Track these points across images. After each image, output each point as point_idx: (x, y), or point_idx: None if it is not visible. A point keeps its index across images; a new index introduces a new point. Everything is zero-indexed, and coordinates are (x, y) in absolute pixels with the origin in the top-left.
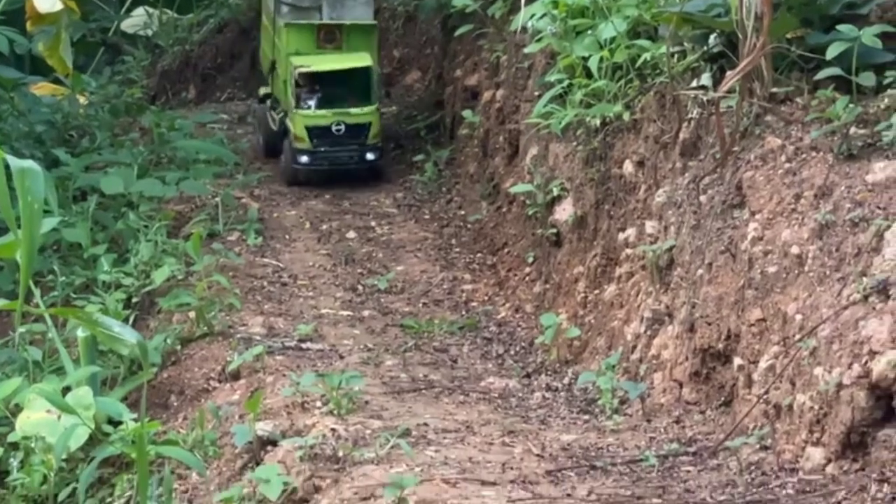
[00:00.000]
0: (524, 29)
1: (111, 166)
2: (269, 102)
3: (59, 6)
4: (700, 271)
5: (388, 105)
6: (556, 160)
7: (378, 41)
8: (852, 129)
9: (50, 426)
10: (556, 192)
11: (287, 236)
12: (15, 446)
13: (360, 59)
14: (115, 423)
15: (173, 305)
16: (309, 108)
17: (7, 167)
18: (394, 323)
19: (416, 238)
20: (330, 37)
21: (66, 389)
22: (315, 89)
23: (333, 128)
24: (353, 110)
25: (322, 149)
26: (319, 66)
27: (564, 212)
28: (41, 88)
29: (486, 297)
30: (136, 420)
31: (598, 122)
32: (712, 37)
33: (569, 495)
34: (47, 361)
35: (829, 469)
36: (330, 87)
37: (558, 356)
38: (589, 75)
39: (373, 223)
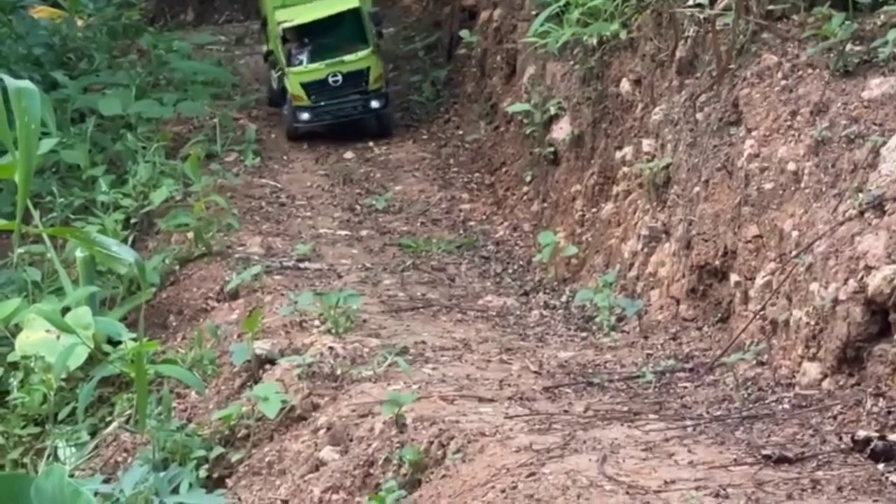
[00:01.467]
0: None
1: (109, 88)
2: (270, 60)
3: None
4: (697, 189)
5: (385, 26)
6: (554, 79)
7: None
8: (848, 46)
9: (49, 346)
10: (553, 111)
11: (285, 157)
12: (15, 366)
13: (346, 2)
14: (115, 343)
15: (172, 226)
16: (301, 63)
17: (4, 89)
18: (392, 242)
19: (414, 158)
20: None
21: (66, 310)
22: (304, 42)
23: (330, 79)
24: (348, 58)
25: (322, 103)
26: (303, 18)
27: (562, 130)
28: (39, 11)
29: (483, 217)
30: (134, 340)
31: (595, 40)
32: None
33: (566, 411)
34: (46, 282)
35: (825, 384)
36: (319, 38)
37: (556, 274)
38: None
39: (370, 143)
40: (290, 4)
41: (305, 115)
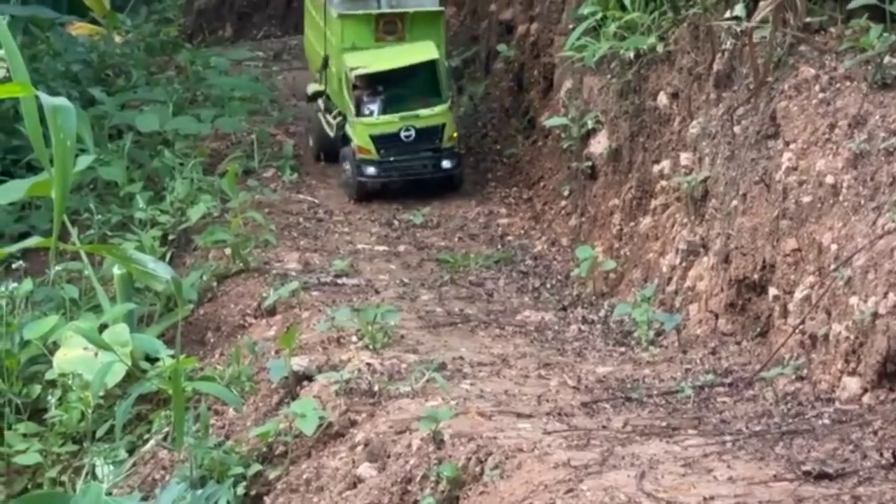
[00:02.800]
0: None
1: (147, 104)
2: (321, 103)
3: None
4: (735, 202)
5: None
6: (591, 93)
7: (445, 27)
8: (886, 58)
9: (87, 363)
10: (590, 125)
11: (322, 173)
12: (52, 384)
13: (424, 52)
14: (153, 360)
15: (209, 242)
16: (371, 113)
17: (40, 106)
18: (429, 257)
19: None
20: (391, 28)
21: (103, 327)
22: (376, 91)
23: (402, 134)
24: (423, 112)
25: (391, 158)
26: (379, 66)
27: (599, 144)
28: (78, 28)
29: (521, 231)
30: (172, 357)
31: (631, 54)
32: None
33: (604, 427)
34: (84, 299)
35: (866, 398)
36: (393, 87)
37: (594, 289)
38: (622, 7)
39: None
40: (361, 48)
41: (371, 170)
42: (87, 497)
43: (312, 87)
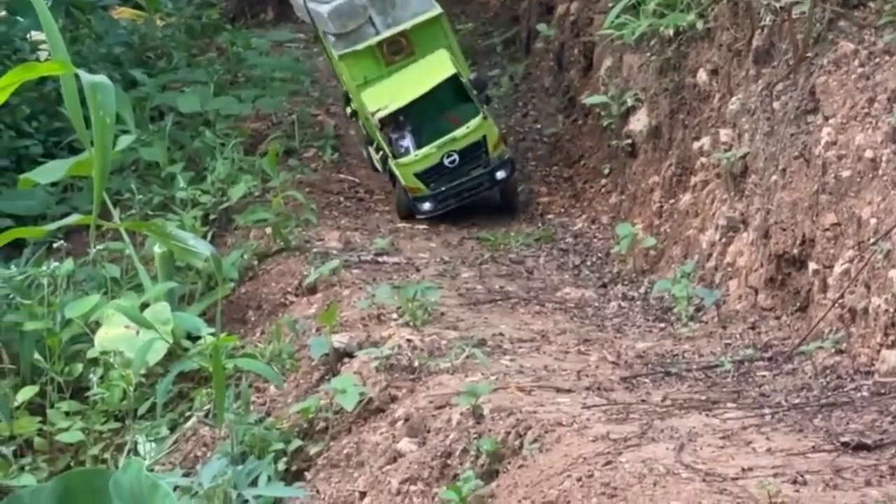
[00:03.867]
0: None
1: (188, 86)
2: (364, 134)
3: None
4: (774, 177)
5: (464, 22)
6: (631, 71)
7: (450, 26)
8: None
9: (128, 341)
10: (630, 102)
11: (362, 153)
12: (94, 362)
13: (440, 69)
14: (194, 339)
15: (250, 221)
16: (407, 150)
17: (80, 88)
18: (470, 236)
19: None
20: (395, 48)
21: (144, 305)
22: (401, 122)
23: (446, 161)
24: (459, 132)
25: (443, 188)
26: (398, 101)
27: (639, 122)
28: (120, 12)
29: (562, 209)
30: (213, 334)
31: (671, 31)
32: None
33: (643, 401)
34: (125, 278)
35: None
36: (420, 116)
37: (634, 265)
38: None
39: None
40: (374, 79)
41: (427, 206)
42: (128, 473)
43: (349, 108)
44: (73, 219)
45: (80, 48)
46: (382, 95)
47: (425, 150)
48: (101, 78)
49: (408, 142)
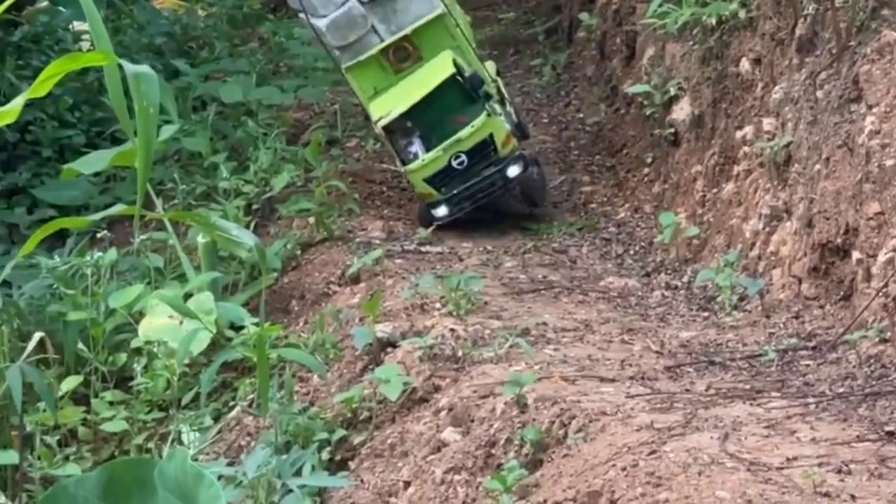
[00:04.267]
0: None
1: (230, 76)
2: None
3: None
4: (817, 166)
5: (506, 11)
6: (673, 60)
7: (463, 22)
8: None
9: (172, 331)
10: (673, 91)
11: None
12: (138, 352)
13: (439, 71)
14: (237, 329)
15: (293, 211)
16: (415, 156)
17: (123, 77)
18: (513, 225)
19: (535, 142)
20: (402, 55)
21: (188, 295)
22: (409, 128)
23: (454, 164)
24: (464, 132)
25: (454, 191)
26: (398, 107)
27: (682, 111)
28: (162, 2)
29: (604, 199)
30: (256, 324)
31: (714, 20)
32: None
33: (687, 390)
34: (168, 268)
35: None
36: (424, 119)
37: (677, 255)
38: None
39: None
40: (384, 88)
41: (442, 211)
42: (172, 463)
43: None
44: (117, 209)
45: (122, 38)
46: (387, 103)
47: (432, 153)
48: (145, 68)
49: (416, 147)
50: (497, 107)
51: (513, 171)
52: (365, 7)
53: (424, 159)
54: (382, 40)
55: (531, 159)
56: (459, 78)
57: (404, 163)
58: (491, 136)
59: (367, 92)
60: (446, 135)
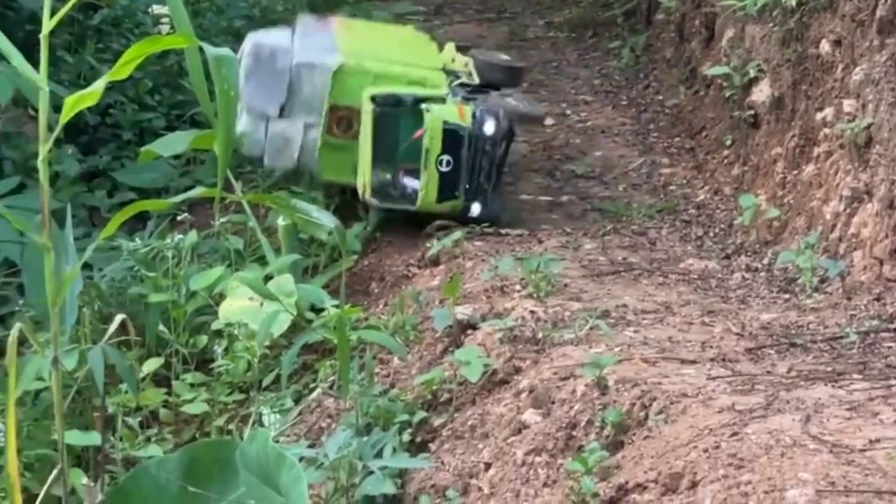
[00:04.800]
0: None
1: None
2: None
3: None
4: None
5: None
6: (753, 42)
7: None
8: None
9: (252, 314)
10: (752, 73)
11: None
12: (219, 334)
13: (366, 120)
14: (318, 311)
15: None
16: (416, 192)
17: (204, 61)
18: (592, 207)
19: (614, 124)
20: (345, 124)
21: (268, 278)
22: (388, 179)
23: (443, 169)
24: (425, 142)
25: (466, 186)
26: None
27: (762, 93)
28: None
29: (684, 181)
30: (337, 306)
31: (794, 2)
32: None
33: (769, 372)
34: (248, 251)
35: None
36: (391, 162)
37: (758, 237)
38: None
39: (569, 111)
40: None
41: (476, 209)
42: (254, 444)
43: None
44: (198, 191)
45: (201, 21)
46: (362, 174)
47: (422, 179)
48: (225, 51)
49: (411, 184)
50: (443, 92)
51: (488, 127)
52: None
53: (421, 188)
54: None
55: (502, 116)
56: (386, 110)
57: (415, 204)
58: (445, 122)
59: (348, 173)
60: (419, 155)
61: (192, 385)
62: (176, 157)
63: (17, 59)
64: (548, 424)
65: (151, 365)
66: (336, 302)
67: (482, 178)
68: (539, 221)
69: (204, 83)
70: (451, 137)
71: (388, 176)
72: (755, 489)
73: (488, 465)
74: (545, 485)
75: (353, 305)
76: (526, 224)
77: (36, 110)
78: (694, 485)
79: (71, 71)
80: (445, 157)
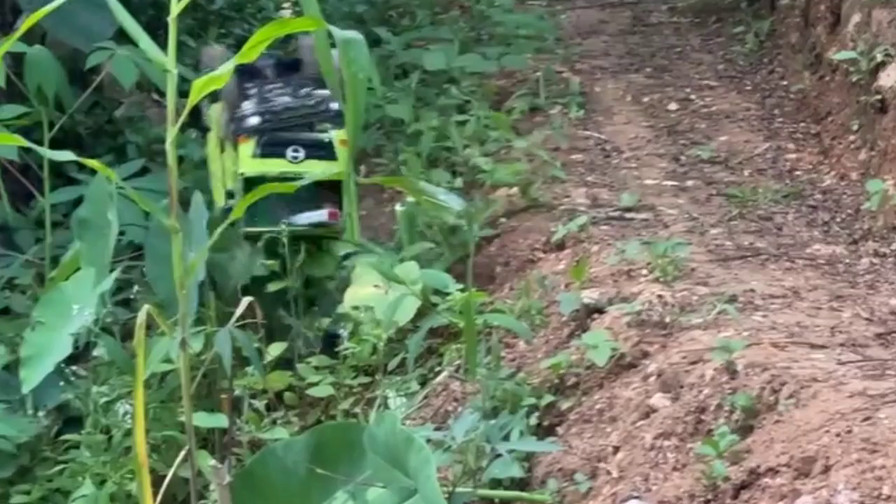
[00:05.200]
0: None
1: (432, 43)
2: None
3: None
4: None
5: None
6: (880, 26)
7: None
8: None
9: (378, 299)
10: (879, 58)
11: (608, 109)
12: (344, 318)
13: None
14: (442, 295)
15: (496, 178)
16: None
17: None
18: (718, 192)
19: (738, 109)
20: None
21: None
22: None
23: (289, 156)
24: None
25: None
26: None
27: (889, 77)
28: None
29: (810, 166)
30: (461, 290)
31: None
32: None
33: None
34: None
35: None
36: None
37: (885, 222)
38: None
39: (693, 96)
40: None
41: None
42: (382, 427)
43: None
44: (326, 174)
45: (324, 6)
46: None
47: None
48: (354, 34)
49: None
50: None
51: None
52: None
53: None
54: None
55: None
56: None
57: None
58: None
59: None
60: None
61: (317, 368)
62: None
63: (144, 41)
64: (676, 408)
65: (277, 348)
66: (461, 286)
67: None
68: (664, 206)
69: (333, 66)
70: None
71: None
72: (889, 473)
73: (616, 449)
74: (675, 469)
75: (477, 290)
76: (651, 209)
77: (160, 94)
78: (827, 469)
79: (193, 55)
80: (296, 153)
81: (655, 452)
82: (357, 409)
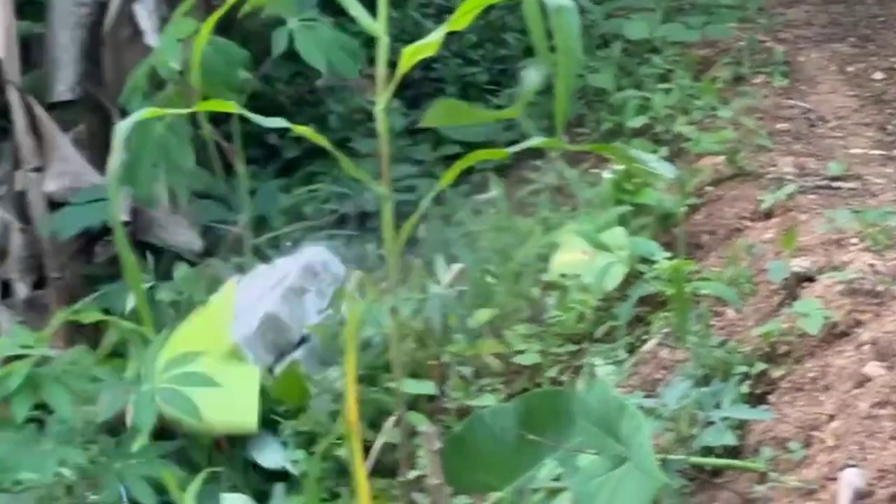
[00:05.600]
0: None
1: (634, 12)
2: None
3: None
4: None
5: None
6: None
7: None
8: None
9: (585, 266)
10: None
11: (812, 79)
12: (550, 286)
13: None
14: (649, 263)
15: (700, 148)
16: None
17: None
18: None
19: None
20: None
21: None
22: None
23: None
24: None
25: None
26: None
27: None
28: None
29: None
30: (669, 258)
31: None
32: None
33: None
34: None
35: None
36: None
37: None
38: None
39: None
40: None
41: None
42: (594, 394)
43: None
44: (537, 141)
45: None
46: None
47: None
48: (566, 2)
49: None
50: None
51: None
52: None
53: None
54: None
55: None
56: None
57: None
58: None
59: None
60: None
61: (524, 336)
62: (498, 108)
63: (356, 9)
64: (893, 377)
65: (484, 315)
66: (668, 254)
67: None
68: (872, 175)
69: (543, 34)
70: None
71: None
72: None
73: (831, 418)
74: (892, 438)
75: (685, 258)
76: (858, 178)
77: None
78: None
79: (396, 26)
80: None
81: (871, 421)
82: (564, 378)
